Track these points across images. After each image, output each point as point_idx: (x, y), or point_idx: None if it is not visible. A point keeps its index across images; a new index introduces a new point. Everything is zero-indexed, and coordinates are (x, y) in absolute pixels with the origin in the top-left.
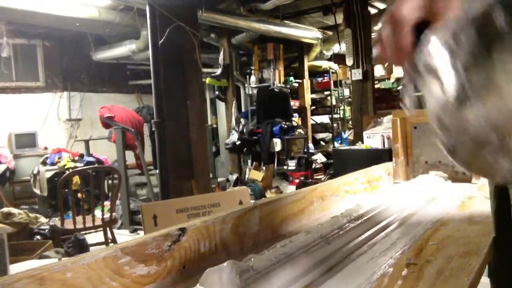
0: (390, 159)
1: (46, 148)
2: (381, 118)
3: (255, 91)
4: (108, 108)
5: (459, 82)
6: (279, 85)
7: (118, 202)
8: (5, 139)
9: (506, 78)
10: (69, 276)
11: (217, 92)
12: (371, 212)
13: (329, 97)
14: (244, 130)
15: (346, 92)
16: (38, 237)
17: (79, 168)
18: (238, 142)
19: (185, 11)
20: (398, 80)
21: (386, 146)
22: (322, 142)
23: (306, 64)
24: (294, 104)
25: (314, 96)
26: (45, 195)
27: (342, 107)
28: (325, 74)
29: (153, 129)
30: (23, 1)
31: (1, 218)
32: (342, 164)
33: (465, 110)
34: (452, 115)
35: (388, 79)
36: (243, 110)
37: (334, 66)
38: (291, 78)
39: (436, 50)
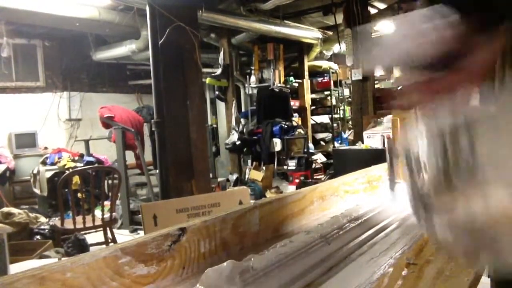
0: None
1: (46, 148)
2: (381, 118)
3: (255, 91)
4: (108, 108)
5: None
6: (279, 85)
7: (118, 202)
8: (5, 139)
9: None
10: (69, 276)
11: (217, 92)
12: (371, 212)
13: (329, 97)
14: (244, 130)
15: (346, 92)
16: (38, 237)
17: (79, 168)
18: (238, 142)
19: (185, 11)
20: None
21: (386, 146)
22: (322, 142)
23: (306, 64)
24: (294, 104)
25: (314, 96)
26: (45, 195)
27: (342, 107)
28: (325, 74)
29: (153, 129)
30: (23, 1)
31: (1, 218)
32: (342, 164)
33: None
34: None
35: (388, 79)
36: (243, 110)
37: (334, 66)
38: (291, 78)
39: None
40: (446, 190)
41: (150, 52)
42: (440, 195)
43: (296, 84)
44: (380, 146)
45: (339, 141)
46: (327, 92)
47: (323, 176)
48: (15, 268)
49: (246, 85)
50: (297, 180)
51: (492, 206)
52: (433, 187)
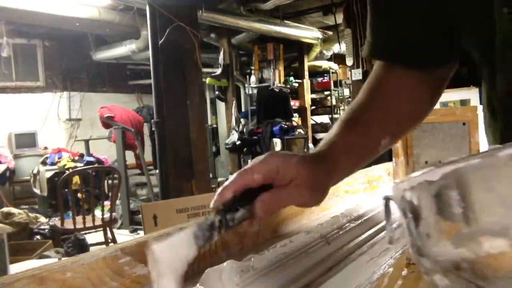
0: (390, 159)
1: (46, 148)
2: None
3: (255, 91)
4: (108, 108)
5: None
6: (279, 85)
7: (118, 202)
8: (5, 139)
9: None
10: (69, 276)
11: (217, 92)
12: (371, 212)
13: (329, 97)
14: (244, 130)
15: (346, 92)
16: (38, 237)
17: (79, 168)
18: (238, 142)
19: (185, 11)
20: None
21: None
22: None
23: (306, 64)
24: (294, 104)
25: (314, 96)
26: (45, 195)
27: (342, 107)
28: (325, 74)
29: (153, 129)
30: (23, 1)
31: (1, 218)
32: None
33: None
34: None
35: None
36: (243, 110)
37: (334, 66)
38: (291, 78)
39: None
40: (439, 237)
41: (150, 52)
42: (434, 242)
43: (296, 84)
44: None
45: None
46: (327, 92)
47: None
48: (15, 268)
49: (246, 85)
50: None
51: (484, 253)
52: (426, 234)
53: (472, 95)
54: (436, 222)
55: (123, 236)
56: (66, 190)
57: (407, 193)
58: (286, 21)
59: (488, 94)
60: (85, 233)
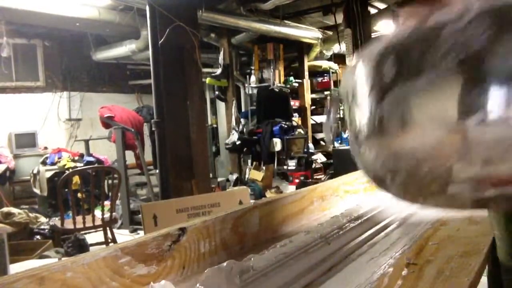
0: None
1: (46, 148)
2: None
3: (255, 91)
4: (108, 108)
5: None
6: (279, 85)
7: (118, 202)
8: (5, 139)
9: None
10: (69, 276)
11: (217, 92)
12: (371, 212)
13: (329, 97)
14: (244, 130)
15: None
16: (38, 237)
17: (79, 168)
18: (238, 142)
19: (185, 11)
20: None
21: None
22: (322, 142)
23: (306, 64)
24: (294, 104)
25: (314, 96)
26: (45, 195)
27: (342, 107)
28: (325, 74)
29: (153, 129)
30: (23, 1)
31: (1, 218)
32: (342, 164)
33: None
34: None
35: None
36: (243, 110)
37: (334, 66)
38: (291, 78)
39: (360, 77)
40: (377, 131)
41: (150, 52)
42: (372, 135)
43: (296, 84)
44: None
45: (339, 141)
46: (327, 92)
47: (323, 176)
48: (15, 268)
49: (246, 85)
50: (297, 180)
51: (416, 142)
52: (367, 127)
53: None
54: (375, 116)
55: (123, 236)
56: (66, 190)
57: (350, 77)
58: (286, 21)
59: None
60: (85, 233)
